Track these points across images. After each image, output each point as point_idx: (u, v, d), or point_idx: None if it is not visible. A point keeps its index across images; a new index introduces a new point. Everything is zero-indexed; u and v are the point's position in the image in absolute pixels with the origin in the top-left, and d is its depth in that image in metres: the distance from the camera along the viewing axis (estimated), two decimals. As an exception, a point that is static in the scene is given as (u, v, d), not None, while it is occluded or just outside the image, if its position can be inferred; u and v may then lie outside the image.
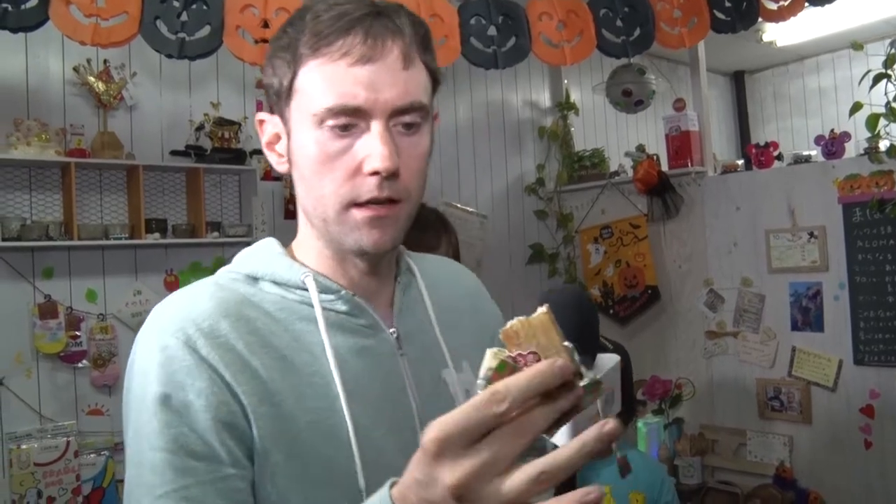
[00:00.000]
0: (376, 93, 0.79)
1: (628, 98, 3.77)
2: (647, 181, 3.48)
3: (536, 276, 3.92)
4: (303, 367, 0.82)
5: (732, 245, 3.38)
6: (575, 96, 4.18)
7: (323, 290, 0.87)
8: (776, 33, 4.56)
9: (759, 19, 3.07)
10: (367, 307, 0.89)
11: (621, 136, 4.50)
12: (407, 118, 0.82)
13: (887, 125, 2.82)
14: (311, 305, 0.85)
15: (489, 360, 0.53)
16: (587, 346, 0.76)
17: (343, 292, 0.88)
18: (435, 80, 0.88)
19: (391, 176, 0.80)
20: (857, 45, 3.14)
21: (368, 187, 0.80)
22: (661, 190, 3.48)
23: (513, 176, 3.92)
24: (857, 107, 2.95)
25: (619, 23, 2.79)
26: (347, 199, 0.81)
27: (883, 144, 2.93)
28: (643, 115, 4.36)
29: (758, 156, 3.38)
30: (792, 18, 3.10)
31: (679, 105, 3.56)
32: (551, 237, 3.95)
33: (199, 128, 2.80)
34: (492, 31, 2.54)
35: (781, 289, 3.22)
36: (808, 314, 3.17)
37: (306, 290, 0.86)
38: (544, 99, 4.16)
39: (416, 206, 0.87)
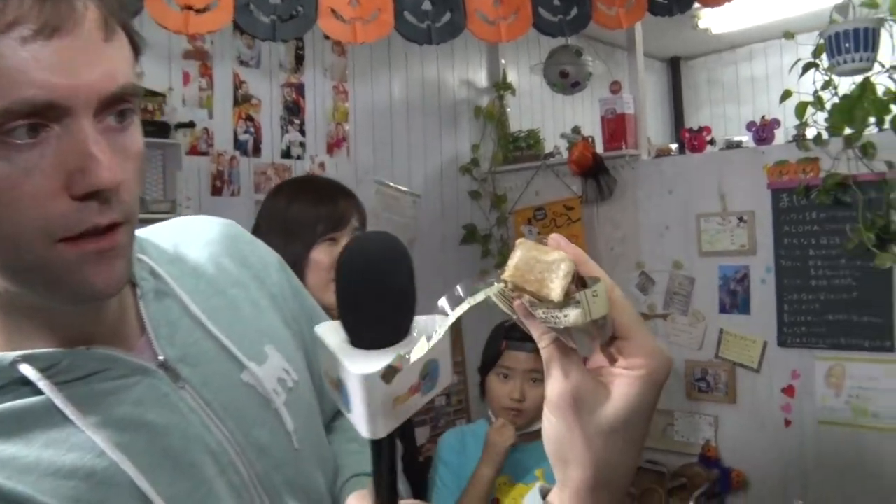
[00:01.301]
0: (74, 77, 0.58)
1: (565, 79, 3.79)
2: (581, 163, 3.49)
3: (470, 256, 3.91)
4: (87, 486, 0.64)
5: (664, 228, 3.43)
6: (512, 77, 4.18)
7: (48, 366, 0.65)
8: (712, 20, 4.64)
9: (696, 4, 3.10)
10: (115, 353, 0.70)
11: (557, 118, 4.53)
12: (119, 108, 0.62)
13: (814, 113, 2.94)
14: (43, 394, 0.64)
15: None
16: (400, 307, 0.66)
17: (73, 352, 0.67)
18: (136, 48, 0.67)
19: (112, 192, 0.61)
20: (789, 35, 3.22)
21: (83, 214, 0.60)
22: (595, 172, 3.50)
23: (447, 156, 3.91)
24: (786, 94, 3.04)
25: (556, 1, 2.79)
26: (51, 234, 0.60)
27: (810, 132, 3.00)
28: (579, 98, 4.39)
29: (691, 140, 3.44)
30: (727, 4, 3.14)
31: (615, 87, 3.59)
32: (485, 218, 3.95)
33: (121, 98, 2.70)
34: (426, 5, 2.51)
35: (711, 272, 3.27)
36: (735, 297, 3.23)
37: (27, 382, 0.64)
38: (481, 79, 4.16)
39: (137, 221, 0.68)
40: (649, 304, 3.46)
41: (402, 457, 1.30)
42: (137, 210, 0.67)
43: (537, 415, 1.93)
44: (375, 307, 0.65)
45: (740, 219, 3.19)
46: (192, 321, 0.79)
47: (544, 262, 0.50)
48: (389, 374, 0.61)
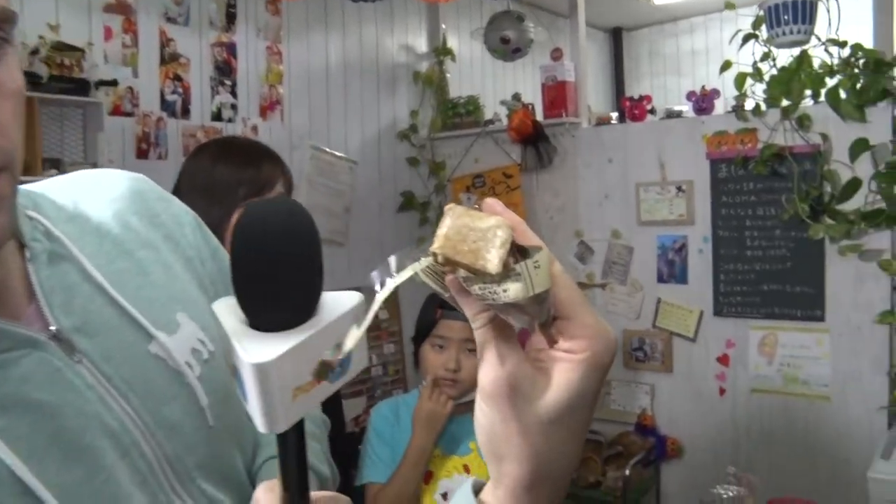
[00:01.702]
0: None
1: (506, 45, 3.74)
2: (521, 130, 3.45)
3: (407, 224, 3.85)
4: None
5: (604, 197, 3.41)
6: (452, 42, 4.11)
7: None
8: (653, -11, 4.63)
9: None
10: None
11: (498, 85, 4.47)
12: None
13: (753, 85, 2.95)
14: None
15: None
16: (303, 284, 0.58)
17: None
18: None
19: None
20: (730, 5, 3.21)
21: None
22: (535, 140, 3.47)
23: (385, 121, 3.82)
24: (726, 65, 3.05)
25: (496, -38, 2.72)
26: None
27: (749, 104, 3.02)
28: (520, 65, 4.35)
29: (631, 109, 3.42)
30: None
31: (556, 54, 3.55)
32: (423, 185, 3.89)
33: (34, 52, 2.55)
34: (363, -40, 2.41)
35: (649, 241, 3.28)
36: (673, 267, 3.24)
37: None
38: (421, 43, 4.07)
39: (21, 167, 0.62)
40: (588, 273, 3.44)
41: (329, 433, 1.23)
42: (19, 157, 0.59)
43: (473, 385, 1.87)
44: (274, 283, 0.57)
45: (679, 188, 3.19)
46: (93, 287, 0.71)
47: (478, 230, 0.44)
48: (322, 370, 0.56)
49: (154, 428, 0.70)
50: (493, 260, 0.43)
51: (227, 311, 0.60)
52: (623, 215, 3.33)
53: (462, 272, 0.45)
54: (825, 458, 2.92)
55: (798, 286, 2.95)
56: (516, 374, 0.48)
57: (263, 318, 0.58)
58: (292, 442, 0.60)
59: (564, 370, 0.48)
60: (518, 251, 0.45)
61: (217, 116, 3.16)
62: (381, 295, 0.47)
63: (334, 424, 1.70)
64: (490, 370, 0.49)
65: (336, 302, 0.61)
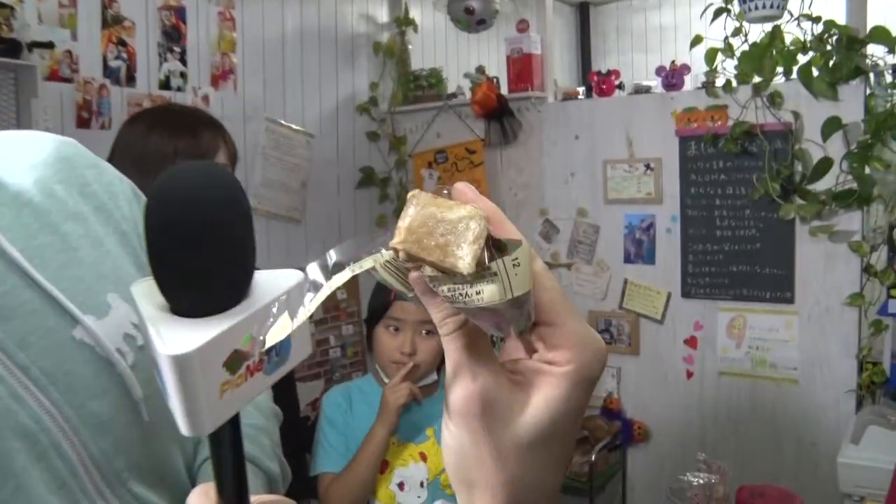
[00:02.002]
0: None
1: (470, 16, 3.60)
2: (485, 104, 3.34)
3: (366, 201, 3.72)
4: None
5: (570, 175, 3.32)
6: (414, 12, 3.95)
7: None
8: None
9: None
10: None
11: (461, 58, 4.34)
12: None
13: (724, 60, 2.88)
14: None
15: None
16: (231, 261, 0.53)
17: None
18: None
19: None
20: (701, -24, 3.12)
21: None
22: (499, 114, 3.36)
23: (344, 94, 3.66)
24: (697, 40, 2.98)
25: (461, -76, 2.58)
26: None
27: (719, 80, 2.95)
28: (485, 37, 4.23)
29: (599, 84, 3.32)
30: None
31: (522, 26, 3.43)
32: (383, 161, 3.75)
33: (-40, 9, 2.36)
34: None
35: (616, 220, 3.20)
36: (640, 246, 3.17)
37: None
38: (381, 13, 3.91)
39: None
40: (553, 252, 3.36)
41: (281, 424, 1.20)
42: None
43: (429, 369, 1.87)
44: (195, 261, 0.51)
45: (647, 166, 3.12)
46: (8, 264, 0.63)
47: (448, 222, 0.39)
48: (235, 360, 0.50)
49: (78, 425, 0.63)
50: (464, 257, 0.38)
51: (148, 293, 0.54)
52: (590, 193, 3.25)
53: (429, 269, 0.39)
54: (793, 442, 2.88)
55: (767, 267, 2.90)
56: (490, 390, 0.42)
57: (184, 301, 0.52)
58: (226, 442, 0.55)
59: (545, 385, 0.42)
60: (494, 246, 0.39)
61: (165, 85, 3.00)
62: (322, 293, 0.41)
63: (288, 409, 1.66)
64: (459, 385, 0.43)
65: (272, 282, 0.55)
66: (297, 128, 3.37)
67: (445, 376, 0.44)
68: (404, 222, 0.39)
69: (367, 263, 0.41)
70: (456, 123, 3.55)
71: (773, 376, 2.91)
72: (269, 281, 0.55)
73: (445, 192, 0.42)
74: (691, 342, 3.08)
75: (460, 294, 0.39)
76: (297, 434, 2.19)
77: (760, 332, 2.93)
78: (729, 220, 2.97)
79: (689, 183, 3.02)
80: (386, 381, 1.86)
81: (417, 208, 0.39)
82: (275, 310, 0.50)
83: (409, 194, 0.41)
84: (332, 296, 0.60)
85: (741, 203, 2.92)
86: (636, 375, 3.21)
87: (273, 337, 0.44)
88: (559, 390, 0.42)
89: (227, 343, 0.50)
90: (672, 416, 3.12)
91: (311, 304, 0.42)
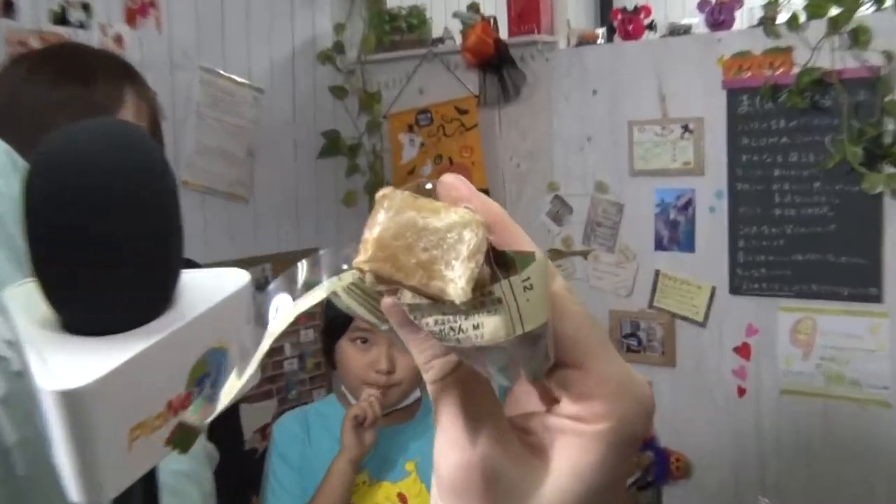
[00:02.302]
0: None
1: (458, -56, 3.18)
2: (480, 52, 2.92)
3: (331, 173, 3.21)
4: None
5: (586, 140, 2.88)
6: (390, -60, 3.46)
7: None
8: None
9: None
10: None
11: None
12: None
13: (790, -12, 2.51)
14: None
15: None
16: (147, 262, 0.43)
17: None
18: None
19: None
20: None
21: None
22: (497, 64, 2.95)
23: (301, 38, 3.14)
24: (749, -36, 2.63)
25: None
26: None
27: (781, 15, 2.58)
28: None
29: (624, 24, 2.85)
30: None
31: (524, -47, 2.96)
32: (352, 123, 3.24)
33: None
34: None
35: (645, 197, 2.79)
36: (676, 229, 2.74)
37: None
38: (349, -61, 3.39)
39: None
40: (564, 237, 2.95)
41: (220, 462, 1.10)
42: None
43: (411, 387, 1.76)
44: (95, 255, 0.44)
45: (685, 128, 2.70)
46: None
47: (433, 232, 0.31)
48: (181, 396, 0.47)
49: None
50: (457, 280, 0.31)
51: (27, 301, 0.48)
52: (611, 163, 2.85)
53: (408, 295, 0.32)
54: (883, 480, 2.46)
55: (844, 255, 2.48)
56: (495, 459, 0.35)
57: (79, 313, 0.46)
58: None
59: (571, 450, 0.35)
60: (497, 262, 0.32)
61: (61, 19, 2.42)
62: (274, 328, 0.34)
63: (229, 440, 1.64)
64: (453, 451, 0.35)
65: (205, 287, 0.49)
66: (242, 80, 2.91)
67: (435, 439, 0.36)
68: (373, 233, 0.32)
69: (317, 294, 0.34)
70: (443, 76, 3.15)
71: (854, 396, 2.47)
72: (203, 284, 0.49)
73: (429, 187, 0.34)
74: (743, 351, 2.65)
75: (452, 329, 0.32)
76: (242, 471, 2.04)
77: (836, 339, 2.51)
78: (792, 195, 2.56)
79: (740, 149, 2.62)
80: (354, 404, 1.73)
81: (390, 213, 0.32)
82: (213, 323, 0.46)
83: (379, 194, 0.32)
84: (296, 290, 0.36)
85: (809, 174, 2.52)
86: (672, 394, 2.78)
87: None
88: (591, 456, 0.35)
89: (139, 373, 0.43)
90: (720, 445, 2.72)
91: (255, 354, 0.35)
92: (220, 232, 2.74)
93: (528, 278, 0.31)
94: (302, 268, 0.35)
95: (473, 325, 0.31)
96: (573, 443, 0.35)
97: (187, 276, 0.48)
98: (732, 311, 2.65)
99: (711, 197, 2.66)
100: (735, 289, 2.64)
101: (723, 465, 2.69)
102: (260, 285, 2.96)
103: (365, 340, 1.74)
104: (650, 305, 2.79)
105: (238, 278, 0.50)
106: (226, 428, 1.95)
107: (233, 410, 2.35)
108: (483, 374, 0.35)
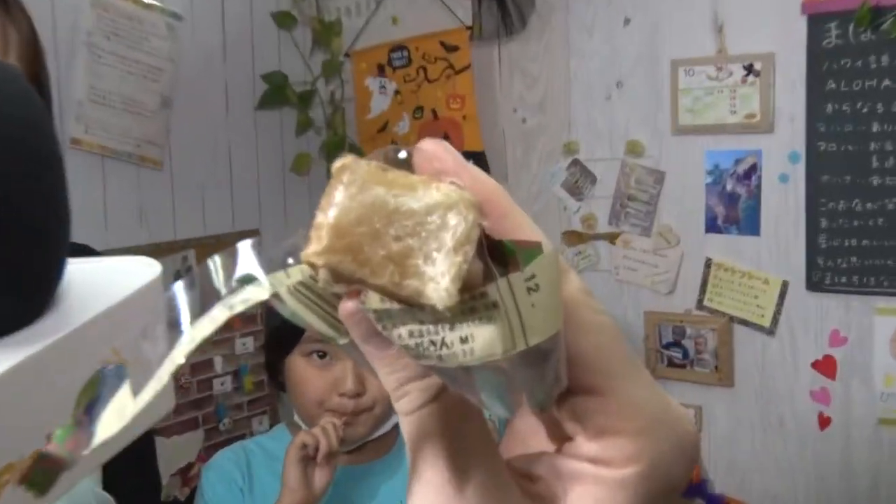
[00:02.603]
0: None
1: None
2: None
3: (275, 129, 2.74)
4: None
5: (615, 86, 2.45)
6: None
7: None
8: None
9: None
10: None
11: None
12: None
13: None
14: None
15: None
16: (21, 240, 0.39)
17: None
18: None
19: None
20: None
21: None
22: None
23: None
24: None
25: None
26: None
27: None
28: None
29: None
30: None
31: None
32: (303, 63, 2.79)
33: None
34: None
35: (693, 162, 2.35)
36: (735, 205, 2.32)
37: None
38: None
39: None
40: (585, 215, 2.53)
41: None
42: None
43: (386, 412, 1.55)
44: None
45: (749, 69, 2.24)
46: None
47: (408, 215, 0.27)
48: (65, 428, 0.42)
49: None
50: (439, 279, 0.26)
51: None
52: (648, 117, 2.43)
53: (375, 298, 0.28)
54: None
55: None
56: None
57: None
58: None
59: (589, 502, 0.31)
60: (492, 256, 0.28)
61: None
62: (184, 344, 0.29)
63: (139, 484, 1.46)
64: (434, 502, 0.31)
65: (100, 282, 0.44)
66: (152, 2, 2.41)
67: (408, 489, 0.33)
68: (328, 216, 0.27)
69: (251, 297, 0.30)
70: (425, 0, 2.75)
71: None
72: (98, 278, 0.44)
73: (403, 155, 0.29)
74: (826, 367, 2.21)
75: (433, 343, 0.27)
76: None
77: None
78: None
79: (824, 96, 2.17)
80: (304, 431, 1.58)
81: (351, 191, 0.27)
82: (108, 332, 0.41)
83: (337, 165, 0.28)
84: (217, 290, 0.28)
85: None
86: (730, 423, 2.37)
87: (103, 432, 0.32)
88: None
89: (5, 401, 0.38)
90: (793, 493, 2.29)
91: (158, 375, 0.30)
92: (125, 208, 2.31)
93: (534, 276, 0.27)
94: (230, 258, 0.30)
95: (461, 338, 0.27)
96: (591, 492, 0.31)
97: (76, 268, 0.43)
98: (811, 314, 2.25)
99: (784, 161, 2.24)
100: (815, 284, 2.22)
101: None
102: (180, 277, 2.42)
103: (324, 355, 1.59)
104: (699, 306, 2.37)
105: (145, 271, 0.44)
106: (133, 469, 1.63)
107: (143, 445, 1.90)
108: (473, 403, 0.31)
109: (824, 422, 2.19)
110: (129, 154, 2.30)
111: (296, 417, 1.61)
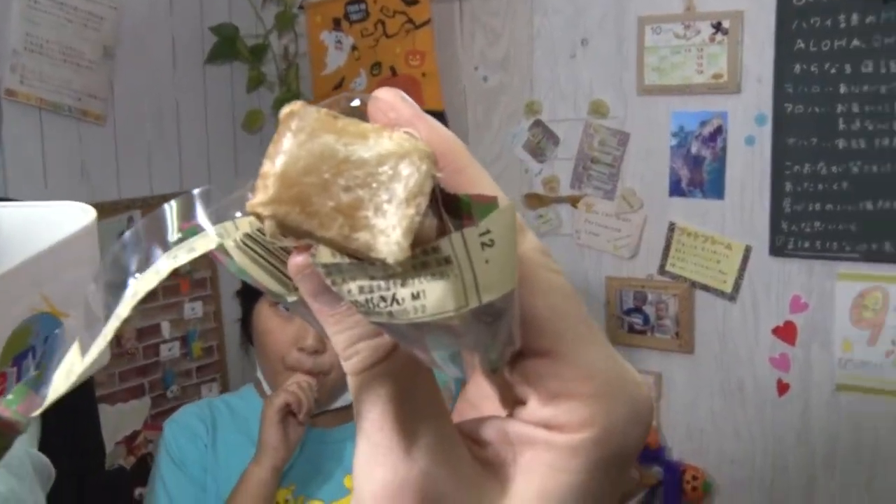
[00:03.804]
0: None
1: None
2: None
3: (225, 84, 2.62)
4: None
5: (579, 43, 2.37)
6: None
7: None
8: None
9: None
10: None
11: None
12: None
13: None
14: None
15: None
16: None
17: None
18: None
19: None
20: None
21: None
22: None
23: None
24: None
25: None
26: None
27: None
28: None
29: None
30: None
31: None
32: (254, 15, 2.67)
33: None
34: None
35: (659, 123, 2.30)
36: (699, 168, 2.27)
37: None
38: None
39: None
40: (547, 177, 2.47)
41: (62, 485, 0.92)
42: None
43: (340, 379, 1.52)
44: None
45: (717, 27, 2.20)
46: None
47: (358, 164, 0.26)
48: None
49: None
50: (390, 232, 0.26)
51: None
52: (613, 76, 2.37)
53: (325, 251, 0.27)
54: None
55: None
56: (435, 479, 0.31)
57: None
58: None
59: (540, 468, 0.31)
60: (446, 209, 0.28)
61: None
62: (125, 306, 0.30)
63: (81, 450, 1.55)
64: (379, 466, 0.31)
65: (28, 227, 0.43)
66: None
67: (356, 450, 0.32)
68: (275, 165, 0.26)
69: (196, 247, 0.30)
70: (381, -50, 2.62)
71: None
72: (26, 223, 0.43)
73: (356, 103, 0.29)
74: (786, 333, 2.21)
75: (383, 299, 0.27)
76: (99, 497, 1.71)
77: None
78: (863, 120, 2.10)
79: (792, 56, 2.14)
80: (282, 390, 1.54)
81: (300, 138, 0.27)
82: (37, 280, 0.41)
83: (285, 111, 0.27)
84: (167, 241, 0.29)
85: (889, 90, 2.05)
86: (689, 389, 2.35)
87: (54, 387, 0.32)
88: (566, 476, 0.30)
89: None
90: (751, 458, 2.30)
91: (100, 337, 0.30)
92: (66, 165, 2.20)
93: (489, 231, 0.26)
94: (173, 210, 0.30)
95: (412, 294, 0.27)
96: (542, 458, 0.31)
97: (6, 213, 0.43)
98: (773, 280, 2.22)
99: (750, 123, 2.19)
100: (778, 249, 2.20)
101: (754, 485, 2.31)
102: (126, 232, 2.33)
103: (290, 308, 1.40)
104: (661, 271, 2.33)
105: (79, 215, 0.42)
106: (74, 434, 1.59)
107: (86, 410, 1.81)
108: (425, 364, 0.31)
109: (783, 388, 2.20)
110: (68, 107, 2.19)
111: (259, 374, 1.59)
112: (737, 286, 2.22)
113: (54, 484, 0.88)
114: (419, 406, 0.31)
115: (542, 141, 2.40)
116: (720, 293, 2.24)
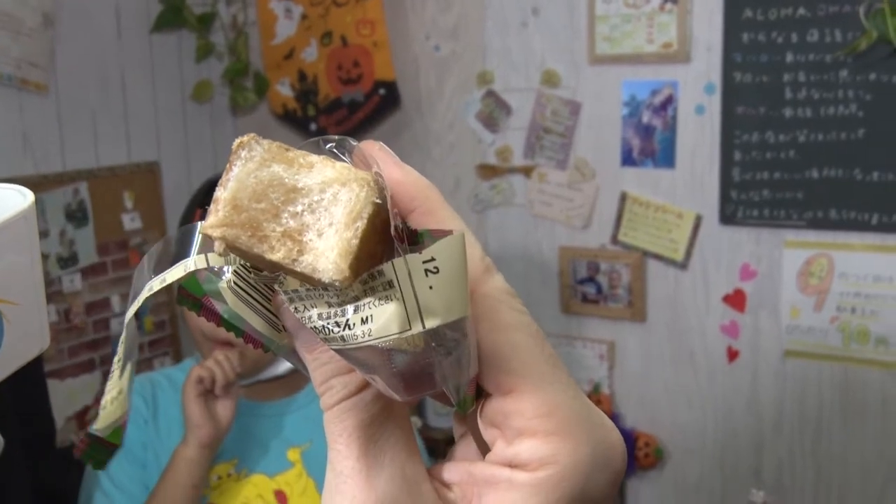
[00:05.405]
0: None
1: None
2: None
3: (174, 54, 2.54)
4: None
5: (530, 13, 2.35)
6: None
7: None
8: None
9: None
10: None
11: None
12: None
13: None
14: None
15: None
16: None
17: None
18: None
19: None
20: None
21: None
22: None
23: None
24: None
25: None
26: None
27: None
28: None
29: None
30: None
31: None
32: None
33: None
34: None
35: (610, 93, 2.30)
36: (650, 137, 2.27)
37: None
38: None
39: None
40: (500, 147, 2.45)
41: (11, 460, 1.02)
42: None
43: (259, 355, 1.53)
44: None
45: None
46: None
47: (305, 192, 0.28)
48: None
49: None
50: (329, 253, 0.27)
51: None
52: (564, 46, 2.34)
53: (293, 281, 0.29)
54: None
55: (877, 171, 2.08)
56: None
57: None
58: None
59: None
60: (409, 242, 0.29)
61: None
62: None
63: (29, 425, 1.52)
64: (341, 492, 0.32)
65: None
66: None
67: (325, 478, 0.33)
68: (226, 190, 0.28)
69: (177, 272, 0.32)
70: (329, -82, 2.53)
71: (882, 359, 2.10)
72: None
73: (329, 147, 0.30)
74: (736, 300, 2.23)
75: (337, 324, 0.28)
76: (48, 472, 1.66)
77: (860, 285, 2.12)
78: (809, 88, 2.11)
79: (740, 25, 2.14)
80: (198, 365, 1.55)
81: (250, 167, 0.28)
82: None
83: (237, 142, 0.29)
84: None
85: (833, 59, 2.06)
86: (641, 357, 2.37)
87: None
88: None
89: None
90: (702, 425, 2.33)
91: None
92: (7, 135, 2.14)
93: (433, 259, 0.27)
94: (170, 244, 0.33)
95: (362, 319, 0.27)
96: (505, 497, 0.30)
97: None
98: (723, 248, 2.23)
99: (699, 92, 2.18)
100: (727, 218, 2.21)
101: (705, 451, 2.32)
102: (71, 212, 2.26)
103: None
104: (614, 240, 2.34)
105: (16, 199, 0.41)
106: (22, 410, 1.57)
107: (33, 384, 1.82)
108: (398, 404, 0.31)
109: (733, 354, 2.22)
110: (8, 76, 2.14)
111: (197, 351, 1.56)
112: (688, 255, 2.23)
113: (3, 453, 0.88)
114: (386, 441, 0.31)
115: (494, 111, 2.39)
116: (671, 262, 2.26)
